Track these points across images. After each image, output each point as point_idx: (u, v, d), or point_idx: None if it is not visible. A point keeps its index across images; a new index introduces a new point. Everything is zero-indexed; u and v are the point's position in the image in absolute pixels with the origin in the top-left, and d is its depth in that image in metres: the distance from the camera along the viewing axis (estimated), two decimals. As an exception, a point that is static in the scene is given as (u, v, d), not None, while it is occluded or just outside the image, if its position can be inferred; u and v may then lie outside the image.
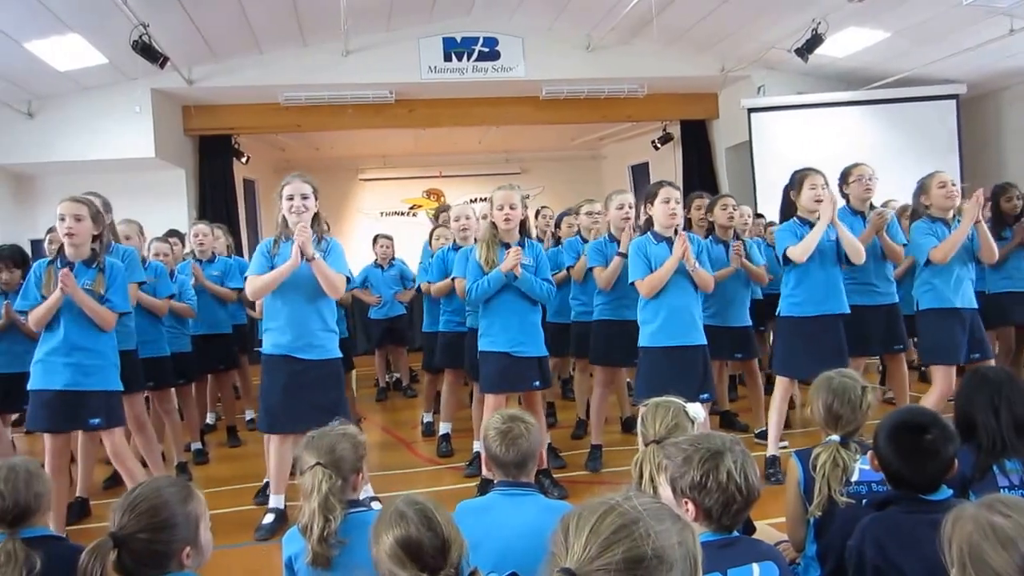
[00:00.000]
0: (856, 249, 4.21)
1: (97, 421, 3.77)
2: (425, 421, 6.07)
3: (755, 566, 1.81)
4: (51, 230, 4.90)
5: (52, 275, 3.72)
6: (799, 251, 4.15)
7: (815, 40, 8.38)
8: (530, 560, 1.79)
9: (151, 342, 4.82)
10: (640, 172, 13.48)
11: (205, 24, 8.33)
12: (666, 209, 4.15)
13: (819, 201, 4.21)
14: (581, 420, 5.62)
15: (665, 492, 1.96)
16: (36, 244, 8.81)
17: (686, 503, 1.85)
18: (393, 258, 7.46)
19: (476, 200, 12.16)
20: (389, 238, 7.46)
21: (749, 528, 2.07)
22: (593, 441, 4.92)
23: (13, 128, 9.24)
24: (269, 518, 3.94)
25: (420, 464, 5.28)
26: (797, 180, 4.37)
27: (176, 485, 1.88)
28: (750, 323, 5.28)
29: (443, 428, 5.44)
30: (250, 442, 5.91)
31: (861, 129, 9.73)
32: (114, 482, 4.76)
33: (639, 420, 2.48)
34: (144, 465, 4.28)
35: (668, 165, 12.12)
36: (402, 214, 14.77)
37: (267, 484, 4.24)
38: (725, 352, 5.13)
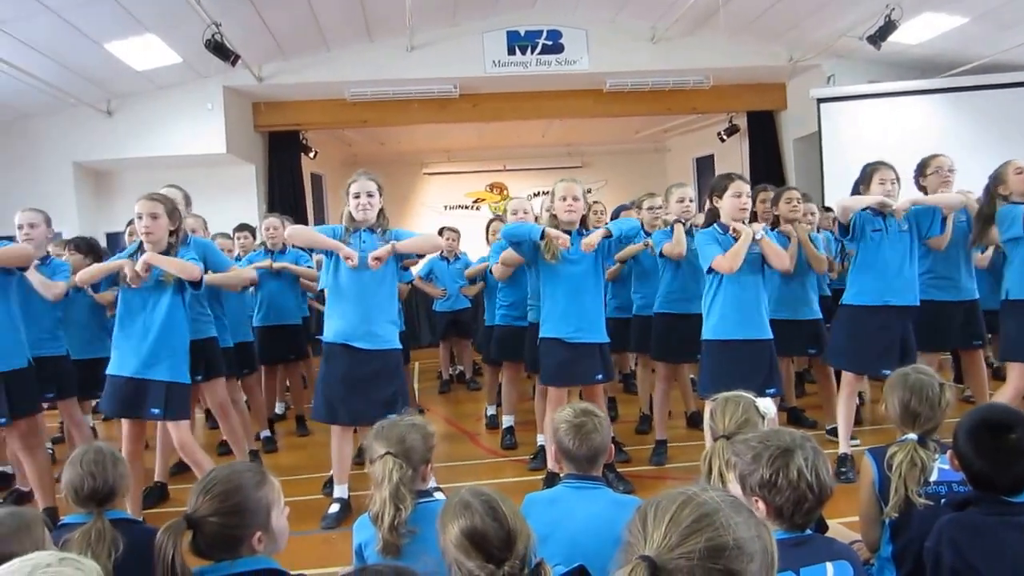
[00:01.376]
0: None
1: (157, 411, 3.85)
2: (489, 414, 6.10)
3: (829, 565, 1.76)
4: (130, 223, 5.08)
5: (131, 266, 3.84)
6: (846, 203, 4.12)
7: (888, 27, 8.11)
8: (598, 554, 1.79)
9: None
10: (705, 165, 13.27)
11: (274, 22, 8.50)
12: (736, 203, 4.07)
13: (887, 196, 4.11)
14: (645, 415, 5.57)
15: (734, 489, 1.92)
16: (112, 237, 9.15)
17: (756, 501, 1.81)
18: (459, 252, 7.50)
19: (538, 194, 12.19)
20: (455, 231, 7.49)
21: (821, 527, 2.02)
22: (658, 436, 4.89)
23: (93, 126, 9.61)
24: (334, 508, 4.02)
25: (484, 456, 5.31)
26: (867, 174, 4.26)
27: (251, 470, 1.91)
28: (821, 316, 5.13)
29: (506, 421, 5.46)
30: (318, 432, 6.02)
31: (935, 119, 9.36)
32: (184, 467, 4.91)
33: (707, 414, 2.45)
34: (229, 452, 4.40)
35: (734, 157, 11.90)
36: (465, 208, 14.83)
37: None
38: (796, 347, 5.02)
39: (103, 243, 7.38)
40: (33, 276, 4.26)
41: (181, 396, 3.95)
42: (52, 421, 5.85)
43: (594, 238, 4.06)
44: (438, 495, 2.33)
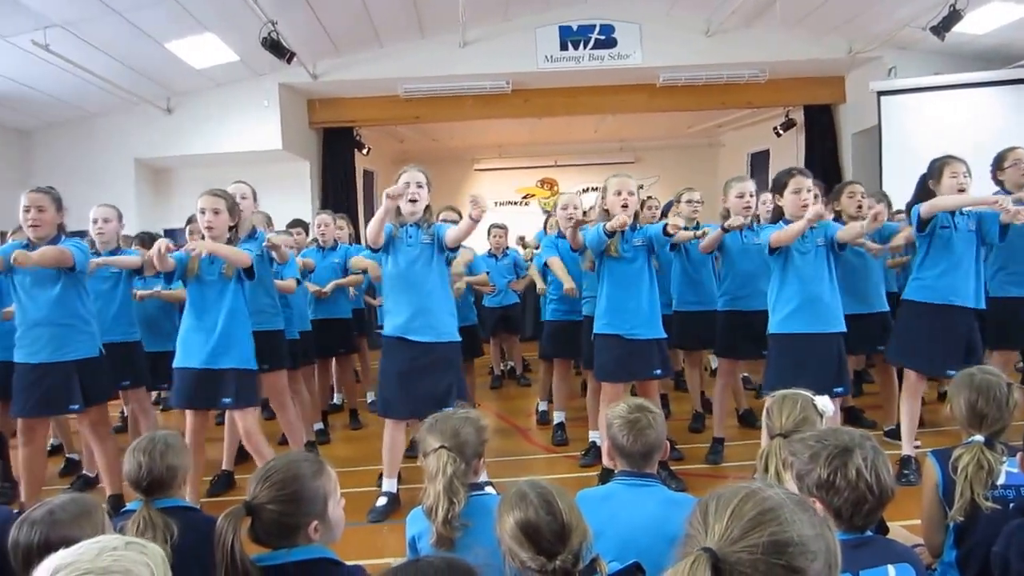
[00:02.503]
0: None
1: (229, 400, 3.97)
2: (540, 409, 6.09)
3: (890, 568, 1.72)
4: (190, 220, 5.22)
5: (196, 260, 3.96)
6: (928, 205, 3.92)
7: (953, 16, 7.87)
8: (652, 551, 1.78)
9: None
10: (760, 160, 13.05)
11: (329, 20, 8.60)
12: (797, 199, 3.97)
13: (961, 190, 3.96)
14: (698, 413, 5.51)
15: (791, 489, 1.89)
16: (170, 233, 9.35)
17: (814, 502, 1.76)
18: (507, 248, 7.51)
19: (588, 190, 12.14)
20: (503, 228, 7.52)
21: (882, 529, 1.98)
22: (715, 434, 4.82)
23: (153, 124, 9.86)
24: (382, 501, 4.06)
25: (535, 452, 5.30)
26: (937, 168, 4.10)
27: (309, 460, 1.94)
28: (888, 308, 4.96)
29: (557, 417, 5.45)
30: (371, 424, 6.09)
31: (1001, 111, 9.02)
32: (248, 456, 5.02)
33: (764, 412, 2.40)
34: (285, 443, 4.48)
35: (790, 152, 11.68)
36: (516, 203, 14.85)
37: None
38: (864, 343, 4.83)
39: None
40: (115, 260, 4.46)
41: (250, 383, 4.08)
42: (113, 411, 6.02)
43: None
44: (489, 489, 2.34)
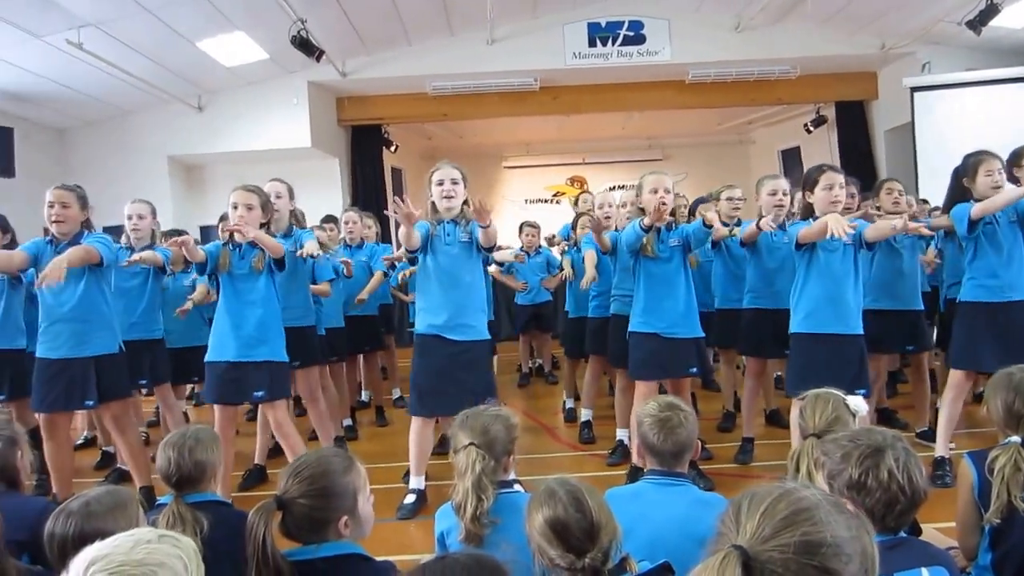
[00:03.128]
0: None
1: (261, 393, 4.01)
2: (567, 407, 6.08)
3: (924, 570, 1.70)
4: (222, 218, 5.28)
5: (228, 254, 4.02)
6: (980, 208, 3.80)
7: (990, 10, 7.74)
8: (681, 551, 1.78)
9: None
10: (791, 157, 12.91)
11: (358, 17, 8.64)
12: (828, 196, 3.90)
13: (997, 188, 3.88)
14: (729, 412, 5.46)
15: (823, 489, 1.87)
16: (204, 230, 9.47)
17: (845, 503, 1.75)
18: (539, 246, 7.50)
19: (615, 187, 12.08)
20: (534, 226, 7.49)
21: (915, 531, 1.95)
22: (745, 433, 4.77)
23: (185, 122, 9.98)
24: (410, 498, 4.06)
25: (562, 449, 5.30)
26: (971, 165, 4.01)
27: (339, 456, 1.96)
28: (923, 307, 4.88)
29: (584, 415, 5.44)
30: (397, 421, 6.12)
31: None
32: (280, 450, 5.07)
33: (797, 412, 2.38)
34: (314, 438, 4.52)
35: (822, 149, 11.55)
36: (545, 201, 14.82)
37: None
38: (897, 342, 4.76)
39: (196, 235, 7.63)
40: (142, 257, 4.52)
41: (282, 376, 4.13)
42: (148, 406, 6.11)
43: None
44: (517, 487, 2.34)
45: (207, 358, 4.07)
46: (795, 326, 4.00)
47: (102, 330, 4.02)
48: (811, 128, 11.64)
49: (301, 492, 1.84)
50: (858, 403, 2.32)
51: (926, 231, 3.98)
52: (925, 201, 7.32)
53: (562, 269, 7.09)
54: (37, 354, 4.00)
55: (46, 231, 4.10)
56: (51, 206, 3.93)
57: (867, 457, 1.73)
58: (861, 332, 3.93)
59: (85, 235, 4.01)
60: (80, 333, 3.94)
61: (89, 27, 7.17)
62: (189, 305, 5.06)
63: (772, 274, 4.67)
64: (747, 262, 4.98)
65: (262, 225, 4.10)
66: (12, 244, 4.74)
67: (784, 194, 4.62)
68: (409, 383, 4.17)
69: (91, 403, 3.97)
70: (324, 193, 10.32)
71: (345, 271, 5.29)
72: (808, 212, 4.07)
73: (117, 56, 7.86)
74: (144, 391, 5.11)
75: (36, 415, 4.76)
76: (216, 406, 4.10)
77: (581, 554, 1.65)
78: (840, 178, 3.96)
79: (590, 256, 4.97)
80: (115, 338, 4.12)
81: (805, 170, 4.68)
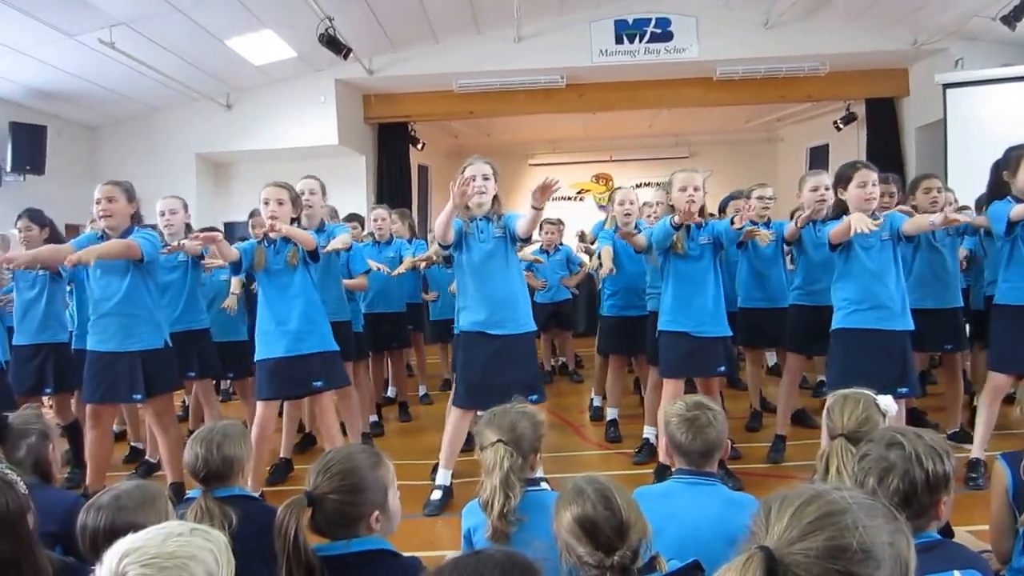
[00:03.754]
0: None
1: (320, 383, 4.06)
2: (594, 405, 6.06)
3: (957, 573, 1.68)
4: (252, 214, 5.37)
5: (263, 252, 4.06)
6: (1020, 210, 3.67)
7: (1026, 5, 7.60)
8: (711, 551, 1.76)
9: None
10: (819, 155, 12.78)
11: (385, 15, 8.67)
12: (861, 194, 3.83)
13: None
14: (756, 411, 5.42)
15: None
16: (230, 226, 9.57)
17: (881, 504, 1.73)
18: (560, 243, 7.48)
19: (641, 185, 12.03)
20: (554, 223, 7.47)
21: (948, 534, 1.92)
22: (778, 431, 4.72)
23: (213, 120, 10.10)
24: (437, 495, 4.07)
25: (588, 448, 5.29)
26: (1014, 159, 3.88)
27: (367, 452, 1.97)
28: (962, 304, 4.79)
29: (610, 413, 5.41)
30: (422, 417, 6.14)
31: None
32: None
33: (824, 412, 2.34)
34: (343, 432, 4.55)
35: (851, 147, 11.41)
36: (570, 199, 14.79)
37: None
38: (934, 341, 4.66)
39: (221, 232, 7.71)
40: (183, 245, 4.57)
41: (336, 363, 4.20)
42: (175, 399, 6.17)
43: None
44: (544, 485, 2.33)
45: (257, 357, 4.12)
46: (836, 323, 3.94)
47: (147, 325, 4.07)
48: (841, 125, 11.52)
49: (332, 488, 1.85)
50: (888, 403, 2.28)
51: (964, 219, 3.90)
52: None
53: (582, 266, 7.10)
54: (88, 347, 4.08)
55: (76, 228, 4.16)
56: (98, 202, 4.00)
57: (887, 446, 1.73)
58: (906, 328, 3.84)
59: (135, 230, 4.07)
60: (126, 327, 4.01)
61: (121, 26, 7.27)
62: (233, 300, 5.15)
63: (817, 270, 4.59)
64: (773, 262, 4.94)
65: (293, 220, 4.13)
66: (52, 238, 4.82)
67: (826, 189, 4.54)
68: (434, 378, 4.19)
69: (139, 397, 4.03)
70: (350, 190, 10.37)
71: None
72: (841, 210, 4.01)
73: (148, 55, 7.96)
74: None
75: (73, 409, 4.89)
76: (261, 403, 4.12)
77: (610, 552, 1.65)
78: (874, 175, 3.89)
79: (607, 251, 4.96)
80: (160, 334, 4.16)
81: (834, 168, 4.61)
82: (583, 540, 1.66)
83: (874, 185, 3.86)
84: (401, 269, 5.59)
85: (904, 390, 3.72)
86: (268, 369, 4.06)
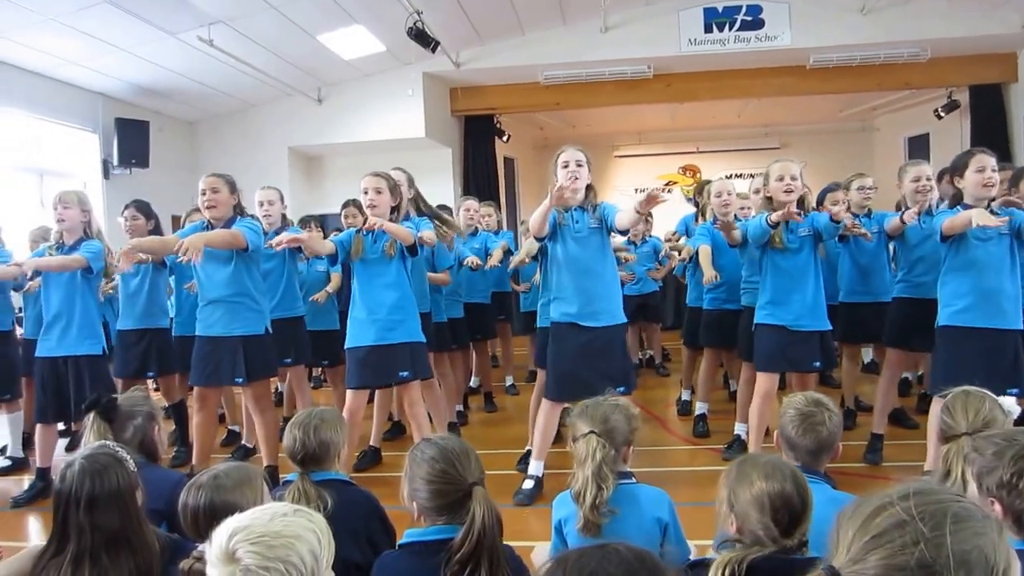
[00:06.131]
0: None
1: (406, 374, 4.12)
2: (682, 399, 5.97)
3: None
4: (346, 205, 5.52)
5: (360, 241, 4.13)
6: None
7: None
8: (814, 549, 1.71)
9: None
10: (918, 145, 12.27)
11: (472, 8, 8.73)
12: (979, 179, 3.65)
13: None
14: (849, 409, 5.23)
15: (971, 489, 1.76)
16: (322, 217, 9.77)
17: (992, 503, 1.65)
18: (647, 234, 7.38)
19: (731, 176, 11.77)
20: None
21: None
22: (875, 430, 4.51)
23: (305, 113, 10.36)
24: (528, 484, 4.06)
25: (675, 443, 5.22)
26: None
27: (456, 443, 2.06)
28: None
29: (699, 408, 5.32)
30: (508, 407, 6.16)
31: None
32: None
33: (943, 410, 2.22)
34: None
35: (953, 136, 10.90)
36: (657, 191, 14.59)
37: (529, 452, 4.35)
38: None
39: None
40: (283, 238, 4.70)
41: (423, 355, 4.26)
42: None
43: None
44: (634, 479, 2.31)
45: (347, 345, 4.19)
46: (944, 319, 3.76)
47: (249, 312, 4.20)
48: (942, 114, 11.01)
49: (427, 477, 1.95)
50: (1011, 404, 2.17)
51: None
52: None
53: (671, 259, 6.98)
54: (197, 332, 4.24)
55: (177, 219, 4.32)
56: (203, 193, 4.17)
57: (1020, 458, 1.62)
58: (1017, 328, 3.65)
59: (238, 220, 4.21)
60: (229, 313, 4.15)
61: (219, 24, 7.52)
62: (324, 294, 5.30)
63: (924, 262, 4.41)
64: (875, 256, 4.76)
65: (393, 209, 4.19)
66: (156, 229, 5.05)
67: (928, 179, 4.38)
68: (520, 370, 4.18)
69: (240, 380, 4.17)
70: (438, 183, 10.44)
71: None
72: (957, 199, 3.83)
73: (243, 51, 8.22)
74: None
75: (177, 392, 5.10)
76: (350, 391, 4.20)
77: (787, 533, 1.70)
78: (992, 160, 3.69)
79: (704, 252, 4.85)
80: (262, 320, 4.29)
81: (934, 159, 4.40)
82: (767, 512, 1.71)
83: (993, 171, 3.67)
84: (493, 262, 5.60)
85: (1014, 391, 3.53)
86: (357, 358, 4.13)
